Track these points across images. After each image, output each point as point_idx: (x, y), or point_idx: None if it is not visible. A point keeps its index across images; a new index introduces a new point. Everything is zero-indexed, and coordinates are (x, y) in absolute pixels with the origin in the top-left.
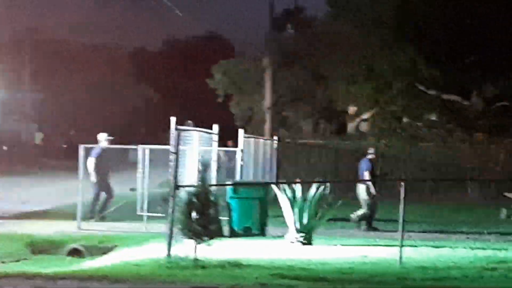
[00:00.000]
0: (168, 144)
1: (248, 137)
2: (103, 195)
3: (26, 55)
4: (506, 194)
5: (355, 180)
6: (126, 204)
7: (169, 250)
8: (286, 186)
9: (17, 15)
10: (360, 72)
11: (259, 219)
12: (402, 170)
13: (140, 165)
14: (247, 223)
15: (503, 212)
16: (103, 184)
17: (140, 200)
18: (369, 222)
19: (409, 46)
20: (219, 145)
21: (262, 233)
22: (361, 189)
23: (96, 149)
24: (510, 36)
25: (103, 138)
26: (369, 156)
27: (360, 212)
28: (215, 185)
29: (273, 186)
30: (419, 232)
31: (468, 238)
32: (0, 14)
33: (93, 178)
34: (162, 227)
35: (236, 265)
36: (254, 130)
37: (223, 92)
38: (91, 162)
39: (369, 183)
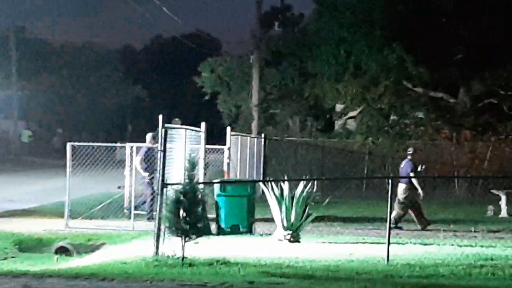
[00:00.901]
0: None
1: (236, 135)
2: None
3: (13, 53)
4: (493, 191)
5: (341, 178)
6: (114, 202)
7: (156, 248)
8: (273, 184)
9: (3, 13)
10: (347, 69)
11: (247, 217)
12: (389, 167)
13: (127, 163)
14: (235, 221)
15: (490, 209)
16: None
17: (127, 198)
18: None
19: (396, 43)
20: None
21: (249, 231)
22: (400, 188)
23: (143, 148)
24: (497, 33)
25: (150, 138)
26: (410, 156)
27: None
28: (203, 183)
29: (261, 184)
30: (406, 229)
31: (455, 235)
32: None
33: (144, 176)
34: (149, 225)
35: (224, 263)
36: (242, 127)
37: (210, 90)
38: (137, 160)
39: (416, 184)
